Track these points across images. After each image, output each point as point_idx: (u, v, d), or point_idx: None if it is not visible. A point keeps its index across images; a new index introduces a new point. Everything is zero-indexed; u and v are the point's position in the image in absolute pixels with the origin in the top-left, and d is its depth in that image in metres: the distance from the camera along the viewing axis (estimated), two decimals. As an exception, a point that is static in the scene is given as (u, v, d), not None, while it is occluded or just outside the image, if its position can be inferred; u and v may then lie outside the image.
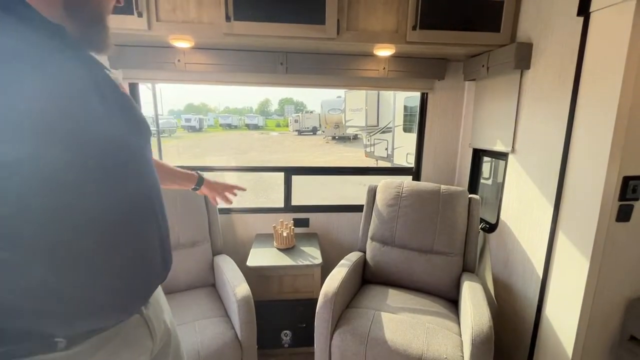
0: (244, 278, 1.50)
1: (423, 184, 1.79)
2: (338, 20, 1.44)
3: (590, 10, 1.11)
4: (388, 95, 8.54)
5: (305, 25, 1.44)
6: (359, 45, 1.58)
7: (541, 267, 1.36)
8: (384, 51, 1.67)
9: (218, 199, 1.15)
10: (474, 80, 1.87)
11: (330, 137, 20.13)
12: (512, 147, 1.56)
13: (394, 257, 1.72)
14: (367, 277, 1.77)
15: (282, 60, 1.73)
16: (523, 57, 1.43)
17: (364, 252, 1.81)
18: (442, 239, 1.66)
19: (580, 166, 1.18)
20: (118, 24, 1.35)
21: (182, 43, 1.55)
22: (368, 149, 10.43)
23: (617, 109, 1.04)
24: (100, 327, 0.55)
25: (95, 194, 0.52)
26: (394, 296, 1.59)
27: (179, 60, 1.67)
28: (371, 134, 9.87)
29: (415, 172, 2.15)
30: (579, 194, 1.19)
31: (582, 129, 1.17)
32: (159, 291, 0.74)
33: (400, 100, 7.41)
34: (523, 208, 1.51)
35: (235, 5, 1.39)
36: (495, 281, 1.70)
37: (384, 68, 1.80)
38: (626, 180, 1.11)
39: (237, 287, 1.39)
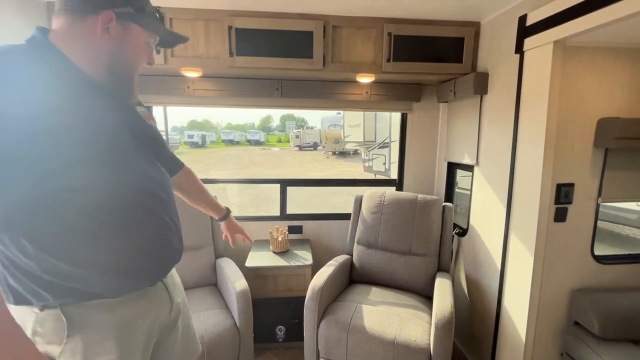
0: (242, 276, 1.71)
1: (403, 194, 2.02)
2: (324, 55, 1.71)
3: (524, 50, 1.37)
4: (384, 112, 8.86)
5: (296, 59, 1.71)
6: (343, 74, 1.85)
7: (499, 264, 1.57)
8: (365, 78, 1.93)
9: (229, 236, 1.29)
10: (446, 102, 2.13)
11: (331, 152, 20.49)
12: (477, 160, 1.80)
13: (377, 258, 1.93)
14: (353, 278, 1.98)
15: (278, 86, 1.99)
16: (481, 84, 1.69)
17: (351, 255, 2.02)
18: (419, 242, 1.88)
19: (522, 176, 1.42)
20: (140, 60, 1.62)
21: (192, 73, 1.82)
22: (366, 164, 10.69)
23: (546, 128, 1.28)
24: (135, 287, 0.77)
25: (133, 190, 0.73)
26: (376, 293, 1.79)
27: (188, 87, 1.94)
28: (369, 149, 10.17)
29: (398, 183, 2.39)
30: (523, 199, 1.42)
31: (522, 144, 1.42)
32: (175, 273, 0.97)
33: (396, 117, 7.70)
34: (486, 213, 1.73)
35: (237, 43, 1.66)
36: (468, 280, 1.90)
37: (367, 92, 2.06)
38: (559, 186, 1.34)
39: (236, 282, 1.60)
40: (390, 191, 2.06)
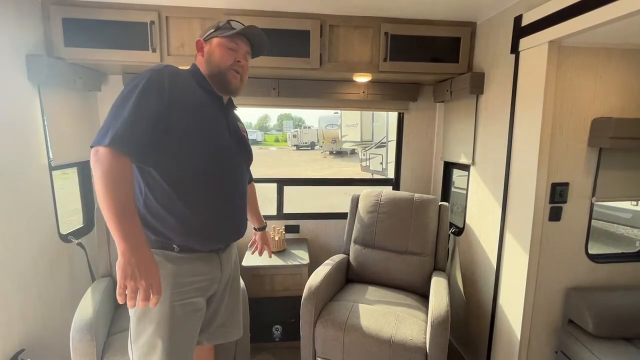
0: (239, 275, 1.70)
1: (399, 193, 2.03)
2: (321, 54, 1.71)
3: (519, 50, 1.38)
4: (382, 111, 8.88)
5: (293, 58, 1.70)
6: (339, 74, 1.85)
7: (495, 263, 1.58)
8: (362, 78, 1.93)
9: (259, 246, 1.56)
10: (442, 102, 2.14)
11: (328, 152, 20.50)
12: (473, 160, 1.81)
13: (373, 257, 1.93)
14: (350, 277, 1.98)
15: (275, 85, 1.99)
16: (477, 84, 1.69)
17: (348, 254, 2.02)
18: (415, 241, 1.88)
19: (518, 175, 1.42)
20: (136, 58, 1.61)
21: (188, 72, 1.81)
22: (364, 163, 10.72)
23: (541, 128, 1.29)
24: (197, 249, 1.00)
25: (214, 173, 0.98)
26: (373, 292, 1.79)
27: (185, 86, 1.94)
28: (366, 149, 10.19)
29: (395, 183, 2.39)
30: (518, 199, 1.43)
31: (517, 144, 1.42)
32: (234, 250, 1.21)
33: (393, 116, 7.73)
34: (481, 212, 1.74)
35: (234, 42, 1.66)
36: (464, 278, 1.91)
37: (364, 92, 2.07)
38: (554, 186, 1.35)
39: (233, 282, 1.59)
40: (386, 190, 2.07)
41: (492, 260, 1.63)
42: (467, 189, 1.90)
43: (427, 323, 1.52)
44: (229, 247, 1.15)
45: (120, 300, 0.79)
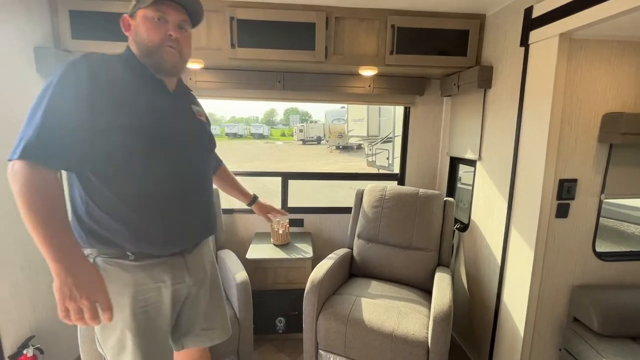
0: (243, 267, 1.72)
1: (404, 188, 2.02)
2: (326, 47, 1.70)
3: (529, 43, 1.34)
4: (389, 106, 8.81)
5: (298, 51, 1.69)
6: (345, 67, 1.83)
7: (499, 259, 1.57)
8: (368, 71, 1.91)
9: (264, 217, 1.51)
10: (449, 96, 2.11)
11: (335, 147, 20.45)
12: (479, 155, 1.78)
13: (377, 252, 1.93)
14: (353, 271, 1.99)
15: (280, 78, 1.98)
16: (485, 78, 1.66)
17: (352, 249, 2.02)
18: (420, 237, 1.87)
19: (525, 171, 1.40)
20: (142, 51, 1.62)
21: (194, 65, 1.81)
22: (370, 159, 10.67)
23: (549, 123, 1.26)
24: (155, 254, 0.90)
25: (158, 168, 0.87)
26: (376, 286, 1.79)
27: (190, 79, 1.94)
28: (373, 144, 10.13)
29: (400, 178, 2.38)
30: (524, 195, 1.40)
31: (525, 139, 1.40)
32: (205, 249, 1.09)
33: (400, 111, 7.66)
34: (487, 208, 1.72)
35: (239, 34, 1.65)
36: (468, 275, 1.90)
37: (369, 85, 2.04)
38: (562, 182, 1.32)
39: (236, 274, 1.61)
40: (391, 185, 2.06)
41: (496, 256, 1.61)
42: (472, 185, 1.88)
43: (429, 318, 1.52)
44: (197, 247, 1.03)
45: (67, 322, 0.73)
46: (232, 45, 1.66)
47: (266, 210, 1.50)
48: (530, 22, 1.33)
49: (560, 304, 1.45)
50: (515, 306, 1.46)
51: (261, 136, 36.27)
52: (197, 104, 1.07)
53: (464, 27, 1.70)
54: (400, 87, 2.07)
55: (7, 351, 1.39)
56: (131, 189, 0.84)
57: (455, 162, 2.15)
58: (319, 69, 1.91)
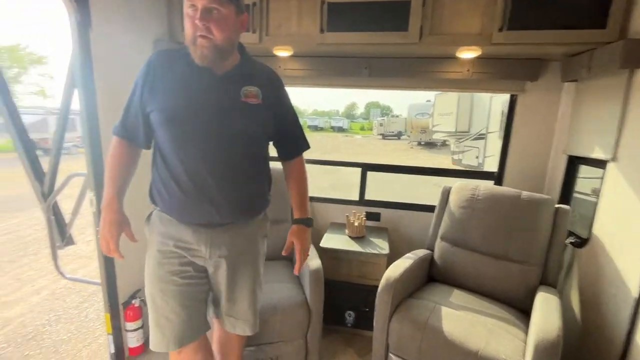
0: (317, 255, 1.71)
1: (502, 189, 1.74)
2: (421, 26, 1.54)
3: None
4: (484, 98, 7.88)
5: (389, 33, 1.57)
6: (440, 48, 1.64)
7: (636, 289, 1.22)
8: (469, 53, 1.68)
9: (296, 248, 1.17)
10: (574, 81, 1.72)
11: (416, 143, 19.40)
12: (614, 154, 1.41)
13: (463, 258, 1.71)
14: (432, 275, 1.81)
15: (366, 65, 1.89)
16: (632, 56, 1.29)
17: (432, 251, 1.85)
18: (519, 247, 1.59)
19: None
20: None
21: (283, 52, 1.85)
22: (456, 156, 9.80)
23: None
24: (179, 219, 1.03)
25: (183, 146, 0.96)
26: (458, 296, 1.60)
27: (279, 67, 1.99)
28: (460, 140, 9.24)
29: (498, 177, 2.06)
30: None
31: None
32: (243, 235, 1.08)
33: (498, 104, 6.77)
34: (621, 222, 1.35)
35: (328, 19, 1.62)
36: (582, 299, 1.54)
37: (468, 70, 1.80)
38: None
39: (311, 261, 1.61)
40: (485, 185, 1.79)
41: (629, 284, 1.26)
42: (599, 191, 1.50)
43: (526, 343, 1.28)
44: (229, 226, 1.04)
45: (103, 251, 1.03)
46: (321, 30, 1.63)
47: (300, 247, 1.16)
48: None
49: None
50: (657, 352, 1.12)
51: (341, 129, 36.65)
52: (255, 85, 1.00)
53: (606, -11, 1.34)
54: (507, 71, 1.78)
55: (121, 299, 1.65)
56: (171, 158, 0.97)
57: (574, 163, 1.76)
58: (410, 52, 1.76)
